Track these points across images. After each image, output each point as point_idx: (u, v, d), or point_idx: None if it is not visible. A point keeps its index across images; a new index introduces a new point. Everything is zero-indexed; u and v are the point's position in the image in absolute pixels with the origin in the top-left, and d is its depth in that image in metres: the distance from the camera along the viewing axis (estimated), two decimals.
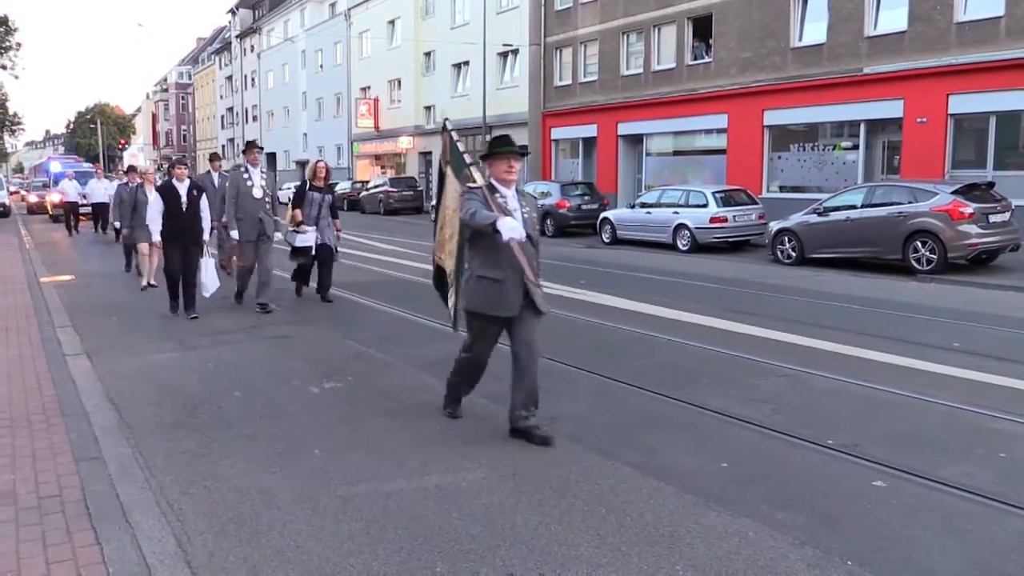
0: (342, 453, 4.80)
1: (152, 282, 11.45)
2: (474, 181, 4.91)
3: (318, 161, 10.45)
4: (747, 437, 5.07)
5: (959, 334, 8.29)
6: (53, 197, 28.55)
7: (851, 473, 4.44)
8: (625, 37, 27.25)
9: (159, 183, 10.55)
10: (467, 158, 5.19)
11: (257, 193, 9.58)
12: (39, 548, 3.50)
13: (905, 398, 5.85)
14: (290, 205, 10.20)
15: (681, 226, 18.00)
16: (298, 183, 12.25)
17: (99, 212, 21.61)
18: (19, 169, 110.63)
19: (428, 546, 3.57)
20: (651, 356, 7.46)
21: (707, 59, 24.31)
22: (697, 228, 17.60)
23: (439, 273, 5.58)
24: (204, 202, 9.29)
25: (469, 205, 4.63)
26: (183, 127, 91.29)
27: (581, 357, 7.12)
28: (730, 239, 17.74)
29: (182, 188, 9.11)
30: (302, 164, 53.59)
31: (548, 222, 22.38)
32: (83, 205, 22.91)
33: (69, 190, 23.35)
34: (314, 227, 9.96)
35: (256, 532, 3.73)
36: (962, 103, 18.09)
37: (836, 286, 12.18)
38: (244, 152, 9.78)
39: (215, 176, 12.27)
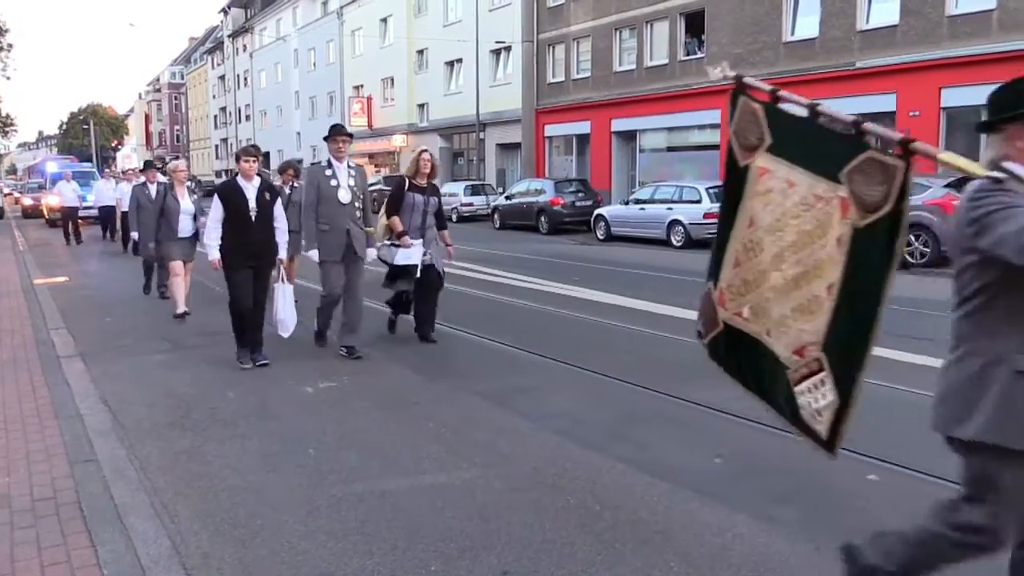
0: (336, 453, 4.80)
1: (186, 309, 9.19)
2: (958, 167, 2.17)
3: (422, 151, 7.66)
4: (740, 432, 5.08)
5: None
6: (51, 200, 25.59)
7: (844, 467, 4.44)
8: (618, 33, 27.25)
9: (217, 184, 8.66)
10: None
11: (344, 196, 7.02)
12: (34, 551, 3.50)
13: (898, 391, 5.86)
14: (384, 211, 7.69)
15: (675, 222, 18.03)
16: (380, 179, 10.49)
17: (107, 218, 19.52)
18: (12, 171, 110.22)
19: (422, 545, 3.57)
20: (643, 351, 7.48)
21: (700, 54, 24.32)
22: (691, 224, 17.63)
23: (734, 339, 3.15)
24: (279, 208, 6.99)
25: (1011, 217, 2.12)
26: (176, 127, 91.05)
27: (574, 353, 7.13)
28: None
29: (251, 189, 6.77)
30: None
31: (542, 219, 22.39)
32: (84, 208, 20.80)
33: (66, 193, 20.64)
34: (420, 240, 7.50)
35: (250, 532, 3.73)
36: (955, 96, 18.12)
37: None
38: (327, 139, 7.21)
39: (151, 188, 11.03)
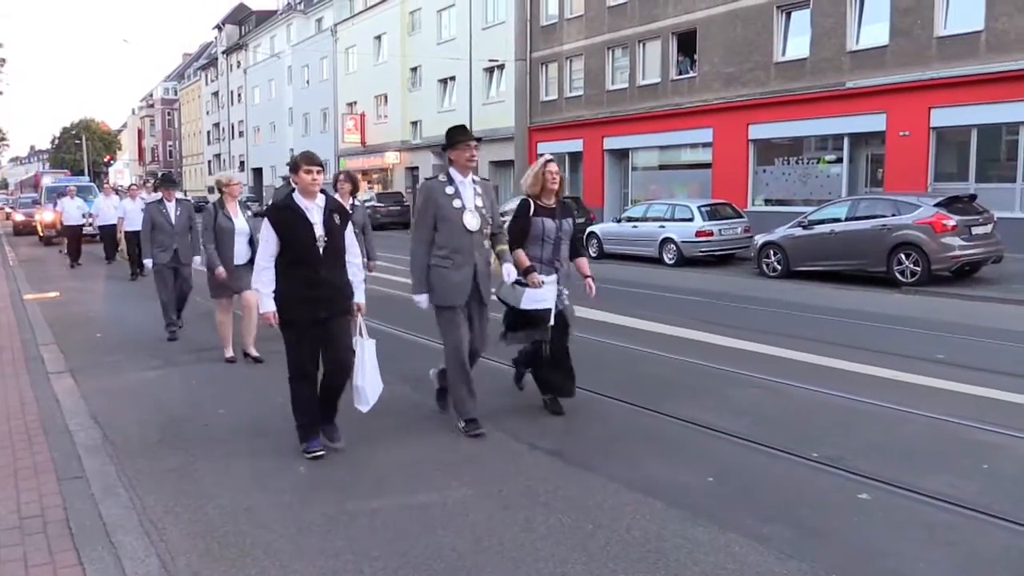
0: (327, 471, 4.78)
1: (255, 354, 7.82)
2: None
3: (547, 161, 5.82)
4: (732, 450, 5.08)
5: (942, 345, 8.34)
6: (45, 216, 24.39)
7: (836, 486, 4.45)
8: (610, 52, 27.44)
9: (266, 205, 5.63)
10: None
11: (472, 222, 5.27)
12: (20, 569, 3.46)
13: (889, 410, 5.88)
14: (510, 240, 5.67)
15: (667, 240, 18.07)
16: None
17: (109, 237, 18.12)
18: (3, 185, 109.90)
19: (414, 564, 3.55)
20: (634, 369, 7.48)
21: (692, 74, 24.50)
22: (683, 242, 17.68)
23: None
24: (351, 235, 5.15)
25: None
26: (169, 143, 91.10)
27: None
28: (716, 252, 17.82)
29: (315, 212, 4.88)
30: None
31: None
32: (87, 225, 19.06)
33: (70, 210, 18.58)
34: (553, 276, 5.76)
35: (241, 551, 3.71)
36: (944, 116, 18.31)
37: (821, 299, 12.25)
38: (447, 150, 5.36)
39: (169, 207, 9.11)
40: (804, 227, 14.82)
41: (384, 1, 41.07)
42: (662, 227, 18.31)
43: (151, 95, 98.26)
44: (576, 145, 29.03)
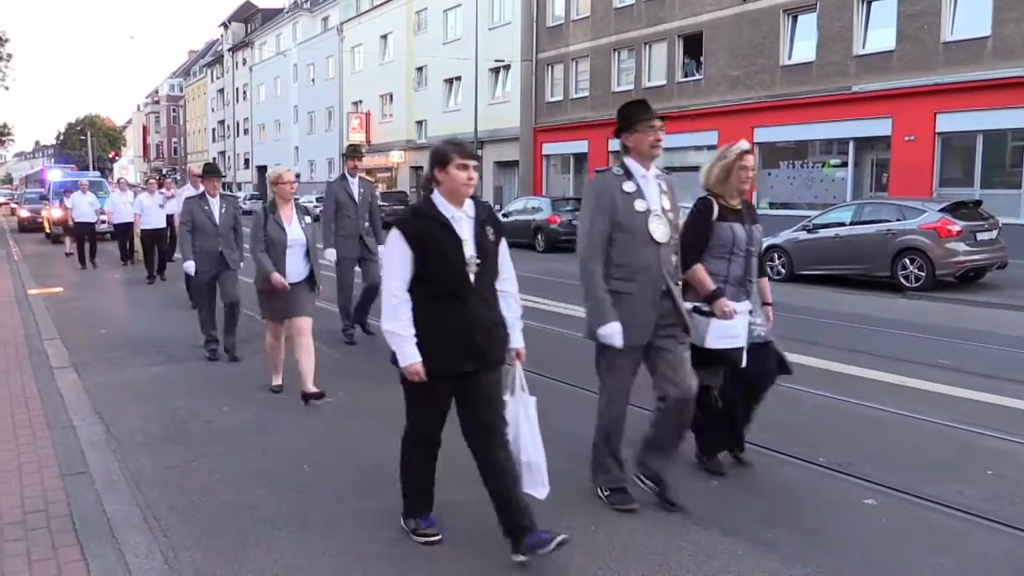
0: (331, 469, 4.77)
1: (281, 383, 6.56)
2: None
3: (743, 152, 4.41)
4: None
5: (947, 351, 8.32)
6: (54, 212, 22.89)
7: (841, 491, 4.44)
8: (616, 54, 27.45)
9: (399, 216, 3.69)
10: None
11: (660, 232, 3.99)
12: (24, 564, 3.46)
13: (894, 415, 5.86)
14: (683, 254, 4.25)
15: None
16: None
17: (123, 236, 16.90)
18: (8, 180, 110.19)
19: (419, 564, 3.55)
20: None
21: (697, 76, 24.50)
22: None
23: None
24: (505, 256, 3.67)
25: None
26: (174, 139, 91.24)
27: (577, 373, 7.10)
28: None
29: (465, 225, 3.49)
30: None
31: (539, 237, 22.42)
32: (99, 223, 17.64)
33: (82, 206, 17.09)
34: (746, 303, 4.40)
35: (244, 548, 3.70)
36: (950, 122, 18.28)
37: (825, 303, 12.23)
38: (621, 133, 4.06)
39: (213, 203, 7.80)
40: (809, 231, 14.79)
41: (390, 0, 41.11)
42: None
43: (156, 92, 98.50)
44: (581, 146, 29.03)
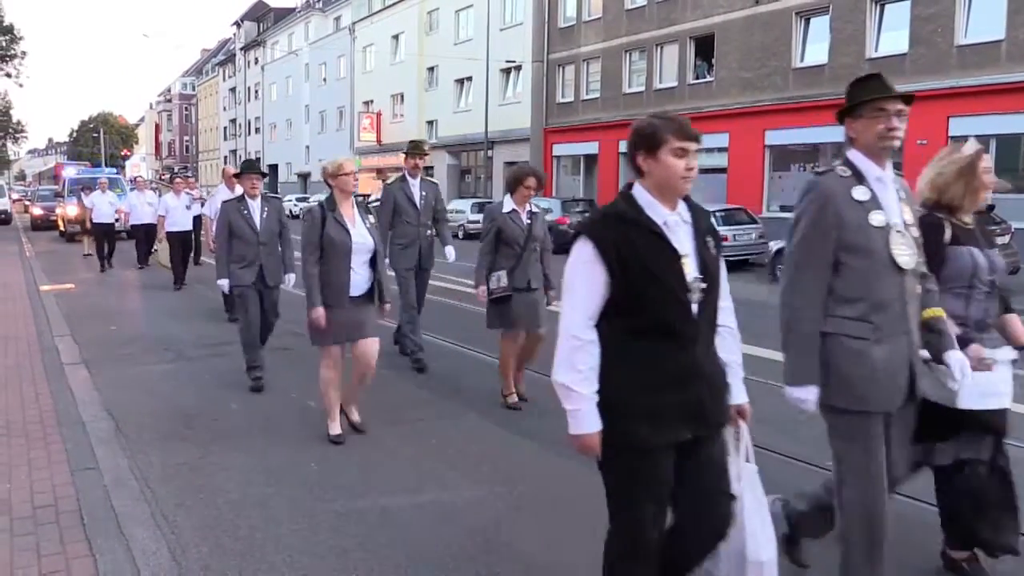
0: (339, 467, 4.78)
1: (341, 432, 5.27)
2: None
3: (980, 152, 3.37)
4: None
5: None
6: (69, 210, 21.92)
7: None
8: (627, 55, 27.41)
9: (584, 220, 2.51)
10: None
11: (905, 256, 2.81)
12: (33, 558, 3.48)
13: None
14: (924, 262, 3.00)
15: None
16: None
17: (140, 238, 15.89)
18: (21, 176, 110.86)
19: (424, 563, 3.55)
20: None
21: (709, 78, 24.44)
22: None
23: None
24: (724, 276, 2.70)
25: None
26: (186, 138, 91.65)
27: None
28: (730, 258, 17.68)
29: (678, 230, 2.50)
30: (304, 176, 53.83)
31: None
32: (116, 220, 16.78)
33: (101, 206, 16.33)
34: (1008, 350, 3.27)
35: (251, 546, 3.71)
36: (963, 125, 18.15)
37: None
38: (845, 118, 3.14)
39: (254, 205, 6.68)
40: None
41: (402, 0, 41.19)
42: None
43: (169, 90, 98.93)
44: (592, 148, 29.01)
